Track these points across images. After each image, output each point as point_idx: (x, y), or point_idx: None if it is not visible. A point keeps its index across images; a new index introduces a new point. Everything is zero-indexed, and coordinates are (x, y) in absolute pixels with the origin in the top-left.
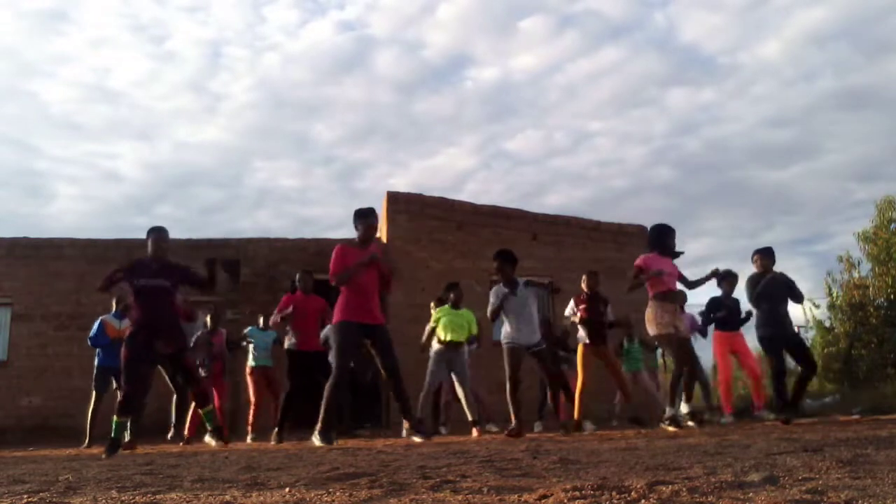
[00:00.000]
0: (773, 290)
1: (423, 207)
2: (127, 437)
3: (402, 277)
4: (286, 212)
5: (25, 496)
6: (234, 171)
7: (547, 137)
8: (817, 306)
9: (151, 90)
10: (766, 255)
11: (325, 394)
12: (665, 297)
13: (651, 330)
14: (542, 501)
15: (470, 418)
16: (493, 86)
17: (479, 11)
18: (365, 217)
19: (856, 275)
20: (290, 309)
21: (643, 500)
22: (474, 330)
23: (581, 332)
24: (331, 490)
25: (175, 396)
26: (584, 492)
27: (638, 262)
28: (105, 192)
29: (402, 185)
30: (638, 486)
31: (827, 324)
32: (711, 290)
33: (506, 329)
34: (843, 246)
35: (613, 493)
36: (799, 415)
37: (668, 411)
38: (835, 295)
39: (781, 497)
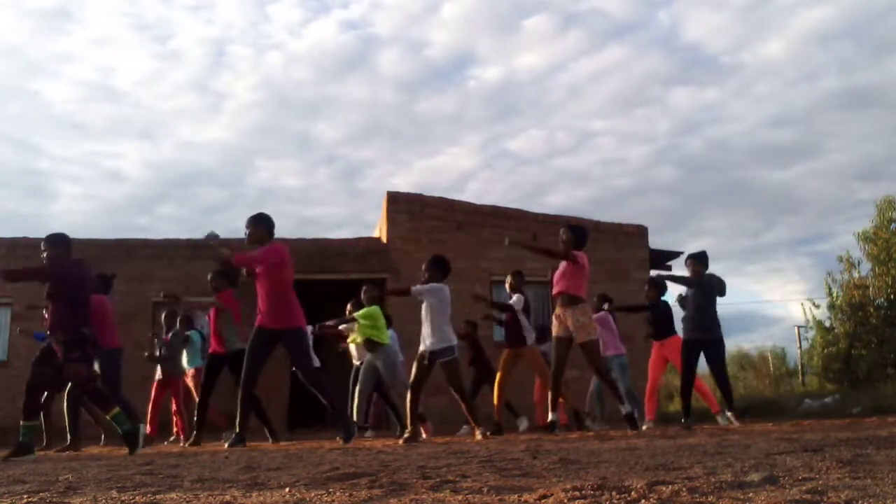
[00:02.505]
0: (697, 294)
1: (423, 207)
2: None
3: (402, 278)
4: (288, 211)
5: (25, 496)
6: (237, 170)
7: (549, 137)
8: (817, 306)
9: (155, 89)
10: (699, 261)
11: (239, 398)
12: (555, 298)
13: (581, 336)
14: (542, 501)
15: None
16: (496, 85)
17: (484, 10)
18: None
19: (856, 275)
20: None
21: (643, 500)
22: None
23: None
24: (331, 490)
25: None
26: (584, 492)
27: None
28: (107, 191)
29: (405, 184)
30: (638, 486)
31: (827, 324)
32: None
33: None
34: (845, 246)
35: (613, 493)
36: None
37: (551, 416)
38: (835, 295)
39: (781, 497)
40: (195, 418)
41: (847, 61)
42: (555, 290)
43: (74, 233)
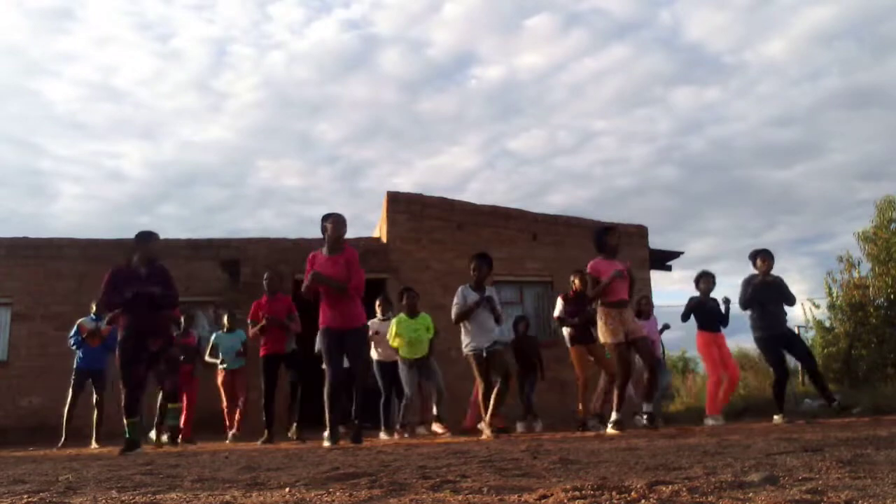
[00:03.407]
0: (766, 291)
1: (423, 207)
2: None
3: (402, 278)
4: (289, 211)
5: (25, 496)
6: (238, 170)
7: (551, 136)
8: (817, 306)
9: (156, 89)
10: (768, 256)
11: (325, 399)
12: (612, 305)
13: (602, 338)
14: (542, 501)
15: (435, 413)
16: (497, 85)
17: (486, 10)
18: (323, 221)
19: (856, 275)
20: (262, 323)
21: (643, 500)
22: (431, 333)
23: (567, 332)
24: (331, 490)
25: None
26: (584, 492)
27: (588, 269)
28: (108, 191)
29: (406, 184)
30: (638, 486)
31: (827, 324)
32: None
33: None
34: (846, 246)
35: (613, 493)
36: (840, 405)
37: (614, 415)
38: (835, 295)
39: (781, 497)
40: (264, 417)
41: (849, 61)
42: (620, 298)
43: (75, 233)
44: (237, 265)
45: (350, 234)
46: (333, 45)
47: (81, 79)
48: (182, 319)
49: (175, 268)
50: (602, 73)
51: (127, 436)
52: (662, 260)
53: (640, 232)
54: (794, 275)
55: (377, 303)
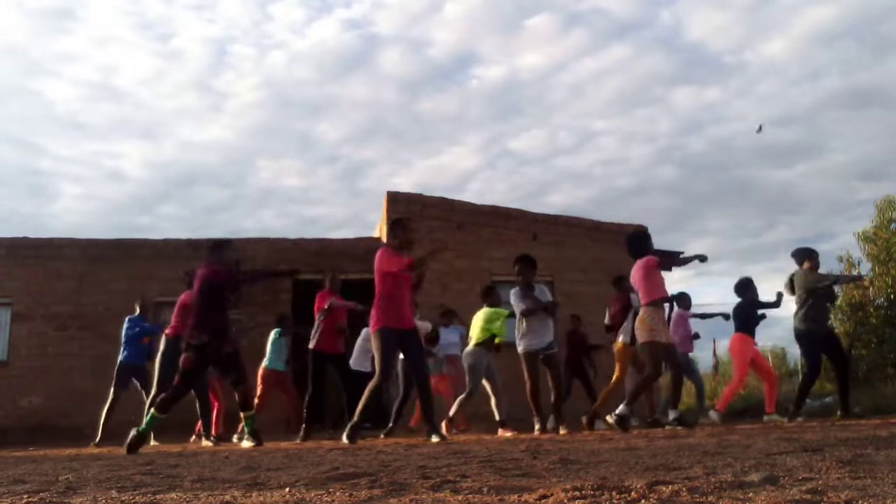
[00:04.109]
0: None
1: (423, 208)
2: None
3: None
4: (289, 211)
5: (25, 496)
6: (238, 170)
7: (551, 136)
8: None
9: (156, 89)
10: (814, 256)
11: (365, 395)
12: (659, 304)
13: (641, 336)
14: (542, 501)
15: (498, 418)
16: (498, 84)
17: (486, 10)
18: (396, 226)
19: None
20: (326, 307)
21: (643, 500)
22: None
23: (626, 327)
24: (331, 490)
25: (197, 400)
26: (584, 492)
27: (652, 264)
28: (109, 191)
29: (406, 184)
30: (638, 486)
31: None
32: (723, 293)
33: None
34: (846, 246)
35: (613, 493)
36: (851, 413)
37: (623, 409)
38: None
39: (781, 497)
40: (304, 414)
41: (849, 61)
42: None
43: (75, 233)
44: (237, 265)
45: (350, 233)
46: (334, 45)
47: (82, 79)
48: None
49: (175, 268)
50: (602, 73)
51: (141, 428)
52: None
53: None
54: None
55: None
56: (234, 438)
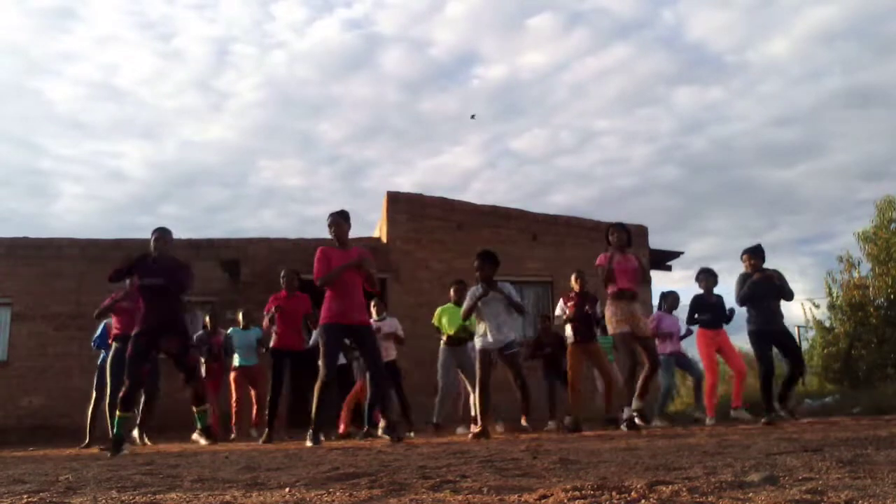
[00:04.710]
0: (762, 287)
1: (423, 207)
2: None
3: (402, 278)
4: (290, 211)
5: (25, 496)
6: (239, 169)
7: (553, 136)
8: (817, 306)
9: (157, 88)
10: (754, 255)
11: (314, 394)
12: (617, 296)
13: (608, 328)
14: (542, 501)
15: (435, 420)
16: (500, 84)
17: (488, 9)
18: (331, 218)
19: (856, 275)
20: (273, 311)
21: (643, 500)
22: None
23: (569, 331)
24: (331, 490)
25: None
26: (584, 492)
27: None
28: (109, 191)
29: (407, 184)
30: (638, 486)
31: (827, 324)
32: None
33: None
34: (847, 246)
35: (613, 493)
36: (787, 415)
37: (627, 411)
38: (835, 295)
39: (781, 497)
40: (267, 414)
41: (851, 61)
42: (628, 285)
43: (75, 233)
44: (237, 265)
45: (351, 233)
46: (335, 45)
47: (82, 78)
48: (207, 318)
49: None
50: (604, 72)
51: (115, 431)
52: (662, 260)
53: (641, 232)
54: (795, 275)
55: (372, 304)
56: (194, 436)
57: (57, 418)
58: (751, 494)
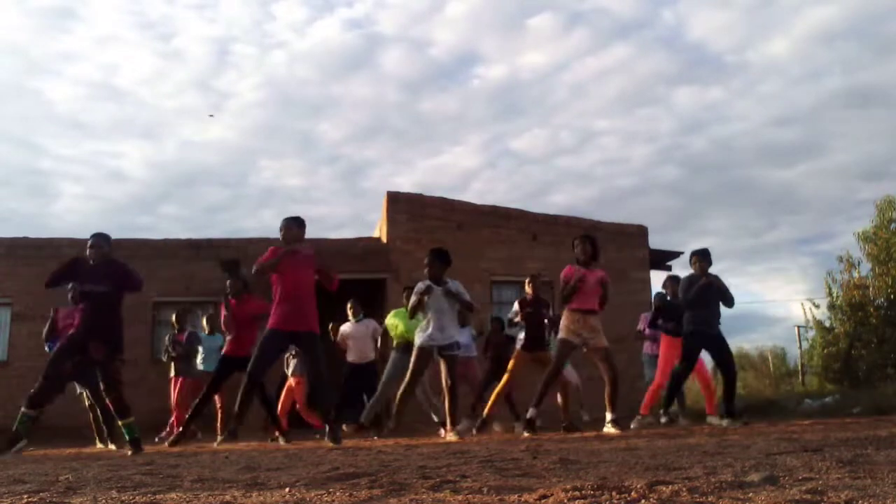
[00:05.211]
0: (708, 292)
1: (423, 207)
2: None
3: (402, 278)
4: (290, 211)
5: (25, 496)
6: (240, 169)
7: (553, 136)
8: (817, 306)
9: (158, 88)
10: (703, 258)
11: (239, 395)
12: (573, 311)
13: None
14: (542, 501)
15: (362, 419)
16: (500, 84)
17: (488, 9)
18: (283, 222)
19: (856, 275)
20: (224, 314)
21: (643, 500)
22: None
23: (521, 335)
24: (331, 490)
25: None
26: (584, 492)
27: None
28: (109, 191)
29: (407, 184)
30: (638, 486)
31: (827, 324)
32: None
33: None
34: (848, 246)
35: (613, 493)
36: (737, 418)
37: (532, 411)
38: (835, 295)
39: (781, 497)
40: (188, 417)
41: (851, 61)
42: (587, 307)
43: (76, 233)
44: (237, 265)
45: (351, 233)
46: (336, 45)
47: (82, 78)
48: (174, 318)
49: (175, 268)
50: (604, 72)
51: (14, 426)
52: (662, 260)
53: (640, 232)
54: (795, 274)
55: (348, 305)
56: (157, 439)
57: (57, 418)
58: (751, 494)
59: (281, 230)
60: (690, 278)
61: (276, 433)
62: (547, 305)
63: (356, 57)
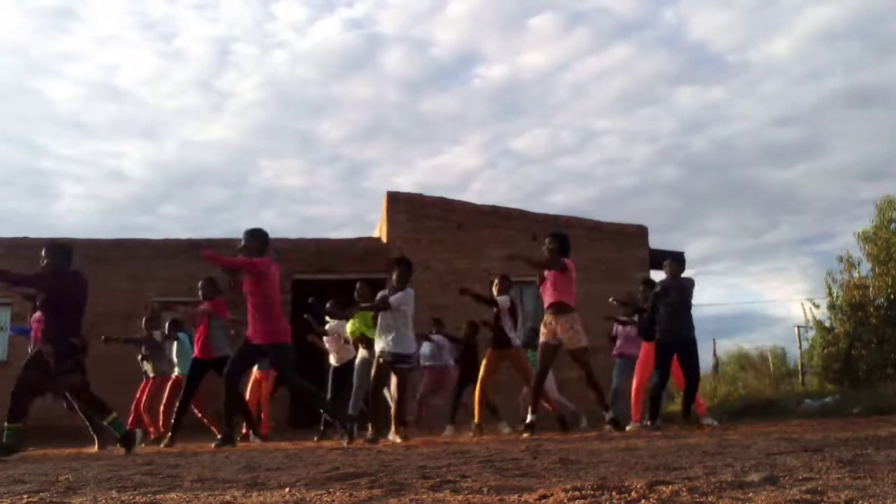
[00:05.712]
0: (675, 296)
1: (423, 208)
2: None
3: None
4: (290, 211)
5: (25, 496)
6: (240, 169)
7: (553, 136)
8: (817, 306)
9: (158, 88)
10: (676, 262)
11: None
12: (547, 308)
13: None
14: (542, 501)
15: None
16: (500, 84)
17: (489, 9)
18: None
19: (856, 275)
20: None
21: (643, 500)
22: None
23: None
24: (331, 490)
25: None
26: (584, 492)
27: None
28: (110, 191)
29: (408, 184)
30: (638, 486)
31: (827, 324)
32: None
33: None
34: (847, 245)
35: (613, 493)
36: (691, 423)
37: (530, 418)
38: (835, 295)
39: (781, 497)
40: (172, 420)
41: (852, 60)
42: (547, 302)
43: (76, 233)
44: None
45: (351, 233)
46: (336, 45)
47: (83, 78)
48: (144, 321)
49: (175, 268)
50: (605, 72)
51: (4, 441)
52: (662, 260)
53: (641, 232)
54: (795, 274)
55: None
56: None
57: (57, 418)
58: (751, 494)
59: (242, 243)
60: (662, 283)
61: (247, 431)
62: (514, 305)
63: (357, 57)
